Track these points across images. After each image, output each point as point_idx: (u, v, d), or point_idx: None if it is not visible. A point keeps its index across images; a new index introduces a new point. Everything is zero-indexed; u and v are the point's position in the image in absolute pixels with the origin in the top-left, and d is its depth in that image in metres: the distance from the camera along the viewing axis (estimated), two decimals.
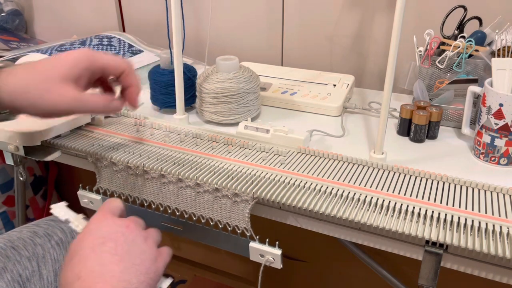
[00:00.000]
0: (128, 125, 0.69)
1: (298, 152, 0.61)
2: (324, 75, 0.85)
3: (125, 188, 0.62)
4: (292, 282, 1.18)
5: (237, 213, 0.55)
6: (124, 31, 1.16)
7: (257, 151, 0.61)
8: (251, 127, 0.65)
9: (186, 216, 0.59)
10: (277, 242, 0.54)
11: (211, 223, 0.57)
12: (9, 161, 0.79)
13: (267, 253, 0.54)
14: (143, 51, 0.97)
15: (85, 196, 0.67)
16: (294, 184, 0.53)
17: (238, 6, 0.98)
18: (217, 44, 1.02)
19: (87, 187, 0.66)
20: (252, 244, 0.55)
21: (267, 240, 0.54)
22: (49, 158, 0.65)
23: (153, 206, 0.61)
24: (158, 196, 0.60)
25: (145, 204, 0.62)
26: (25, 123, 0.60)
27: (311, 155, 0.60)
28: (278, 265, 0.55)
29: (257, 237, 0.54)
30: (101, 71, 0.50)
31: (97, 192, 0.66)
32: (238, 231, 0.55)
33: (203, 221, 0.58)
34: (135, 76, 0.51)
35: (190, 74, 0.74)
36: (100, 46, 0.95)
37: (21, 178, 0.85)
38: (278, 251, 0.54)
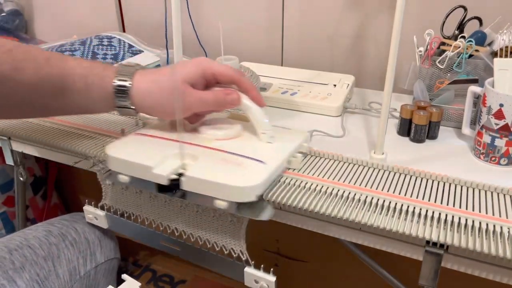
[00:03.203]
0: (124, 124, 0.69)
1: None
2: (324, 75, 0.85)
3: (128, 206, 0.63)
4: (292, 282, 1.18)
5: (233, 234, 0.55)
6: (124, 31, 1.16)
7: None
8: None
9: (184, 236, 0.59)
10: (271, 269, 0.54)
11: (209, 245, 0.57)
12: (9, 161, 0.79)
13: (261, 279, 0.54)
14: (143, 51, 0.97)
15: (90, 212, 0.68)
16: (294, 184, 0.53)
17: (238, 6, 0.98)
18: (217, 44, 1.02)
19: (92, 203, 0.67)
20: (247, 270, 0.55)
21: (262, 266, 0.54)
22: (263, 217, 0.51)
23: (153, 225, 0.61)
24: (160, 215, 0.61)
25: (146, 223, 0.62)
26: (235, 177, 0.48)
27: (311, 155, 0.60)
28: None
29: (253, 262, 0.54)
30: (213, 78, 0.54)
31: (102, 208, 0.66)
32: (234, 255, 0.55)
33: (200, 242, 0.58)
34: (248, 81, 0.55)
35: None
36: (100, 46, 0.95)
37: (21, 179, 0.85)
38: (272, 278, 0.53)
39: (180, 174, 0.49)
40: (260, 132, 0.56)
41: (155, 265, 1.38)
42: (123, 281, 0.59)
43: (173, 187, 0.49)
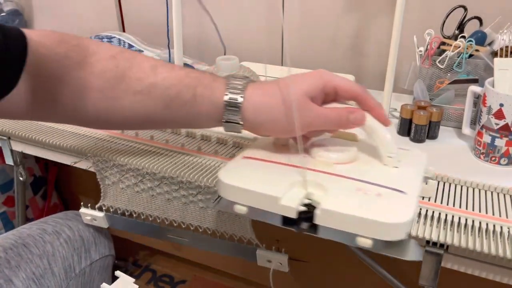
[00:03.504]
0: None
1: None
2: None
3: (130, 205, 0.63)
4: (292, 282, 1.18)
5: (240, 225, 0.55)
6: (124, 31, 1.16)
7: None
8: None
9: (192, 228, 0.59)
10: (283, 249, 0.55)
11: (217, 234, 0.58)
12: (8, 161, 0.79)
13: (274, 259, 0.55)
14: (143, 51, 0.97)
15: (88, 214, 0.68)
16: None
17: (238, 6, 0.98)
18: (217, 44, 1.02)
19: (89, 205, 0.67)
20: (259, 251, 0.55)
21: (273, 247, 0.55)
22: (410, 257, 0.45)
23: (158, 221, 0.62)
24: (164, 212, 0.61)
25: (150, 219, 0.62)
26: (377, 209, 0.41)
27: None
28: (285, 269, 0.55)
29: (263, 245, 0.54)
30: (334, 93, 0.48)
31: (100, 209, 0.66)
32: (245, 241, 0.55)
33: (209, 232, 0.59)
34: (372, 98, 0.48)
35: None
36: None
37: (21, 178, 0.85)
38: (284, 257, 0.55)
39: (308, 205, 0.43)
40: (386, 156, 0.49)
41: (155, 265, 1.38)
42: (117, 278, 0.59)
43: (303, 220, 0.43)
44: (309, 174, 0.46)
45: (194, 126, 0.54)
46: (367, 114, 0.48)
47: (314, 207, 0.42)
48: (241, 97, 0.47)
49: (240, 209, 0.45)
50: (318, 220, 0.42)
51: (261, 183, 0.45)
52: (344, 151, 0.50)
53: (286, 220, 0.44)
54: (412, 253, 0.43)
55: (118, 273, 0.58)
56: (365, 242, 0.41)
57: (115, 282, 0.57)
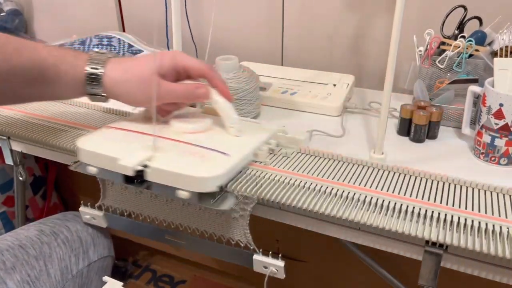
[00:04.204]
0: None
1: (298, 152, 0.60)
2: (324, 75, 0.85)
3: (128, 205, 0.63)
4: (292, 282, 1.18)
5: (238, 229, 0.55)
6: (124, 31, 1.16)
7: None
8: None
9: (189, 230, 0.59)
10: (279, 255, 0.55)
11: (215, 238, 0.58)
12: (8, 161, 0.79)
13: (270, 265, 0.55)
14: (143, 51, 0.97)
15: (87, 213, 0.68)
16: (294, 184, 0.53)
17: (238, 6, 0.98)
18: (217, 44, 1.02)
19: (88, 204, 0.67)
20: (256, 257, 0.56)
21: (270, 252, 0.55)
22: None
23: (156, 222, 0.62)
24: (162, 212, 0.61)
25: (149, 220, 0.62)
26: (195, 166, 0.50)
27: (311, 155, 0.60)
28: (282, 275, 0.56)
29: (260, 250, 0.55)
30: (184, 72, 0.56)
31: (100, 208, 0.66)
32: (241, 245, 0.55)
33: (206, 236, 0.59)
34: (217, 76, 0.56)
35: None
36: (100, 46, 0.95)
37: (20, 178, 0.85)
38: (281, 263, 0.55)
39: (145, 166, 0.50)
40: (228, 126, 0.58)
41: (155, 265, 1.38)
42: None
43: (137, 178, 0.50)
44: (160, 141, 0.54)
45: (62, 98, 0.60)
46: (212, 89, 0.56)
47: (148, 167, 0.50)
48: (101, 71, 0.53)
49: (91, 170, 0.54)
50: (148, 176, 0.50)
51: (109, 147, 0.53)
52: (196, 122, 0.59)
53: (127, 179, 0.51)
54: (225, 204, 0.50)
55: (105, 278, 0.59)
56: (183, 194, 0.48)
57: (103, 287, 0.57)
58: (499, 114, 0.56)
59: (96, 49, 0.91)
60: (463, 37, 0.70)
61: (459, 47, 0.69)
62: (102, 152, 0.52)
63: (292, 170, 0.56)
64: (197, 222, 0.58)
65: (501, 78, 0.58)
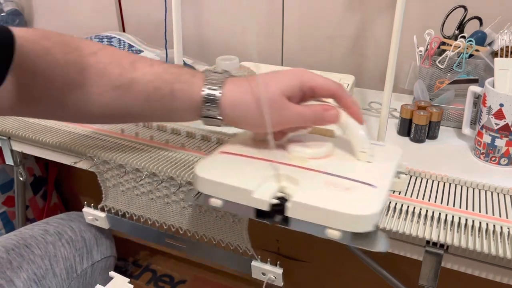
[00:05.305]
0: (125, 126, 0.69)
1: None
2: (324, 75, 0.85)
3: (129, 207, 0.63)
4: (292, 282, 1.18)
5: (237, 233, 0.55)
6: (124, 31, 1.16)
7: None
8: None
9: (189, 234, 0.59)
10: (278, 262, 0.55)
11: (214, 242, 0.58)
12: (9, 161, 0.79)
13: (268, 272, 0.55)
14: (143, 51, 0.97)
15: (90, 214, 0.68)
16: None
17: (238, 6, 0.98)
18: (217, 44, 1.02)
19: (92, 204, 0.67)
20: (254, 263, 0.56)
21: (268, 259, 0.55)
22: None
23: (157, 225, 0.62)
24: (162, 215, 0.61)
25: (149, 223, 0.62)
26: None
27: None
28: (280, 283, 0.55)
29: (259, 257, 0.55)
30: (311, 91, 0.49)
31: (102, 209, 0.66)
32: (240, 250, 0.55)
33: (205, 240, 0.59)
34: (349, 97, 0.49)
35: None
36: None
37: (21, 178, 0.85)
38: (279, 270, 0.55)
39: (281, 198, 0.44)
40: (358, 151, 0.50)
41: (155, 265, 1.38)
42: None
43: (275, 213, 0.44)
44: (283, 168, 0.47)
45: (174, 120, 0.55)
46: (342, 111, 0.49)
47: (286, 200, 0.43)
48: (220, 93, 0.48)
49: (216, 202, 0.47)
50: (289, 212, 0.43)
51: (236, 177, 0.46)
52: (319, 146, 0.51)
53: (260, 213, 0.45)
54: (381, 245, 0.43)
55: (112, 273, 0.58)
56: (334, 234, 0.42)
57: (110, 283, 0.57)
58: (499, 114, 0.56)
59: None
60: (463, 37, 0.70)
61: (459, 47, 0.69)
62: (229, 183, 0.45)
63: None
64: (197, 225, 0.58)
65: (501, 78, 0.58)
